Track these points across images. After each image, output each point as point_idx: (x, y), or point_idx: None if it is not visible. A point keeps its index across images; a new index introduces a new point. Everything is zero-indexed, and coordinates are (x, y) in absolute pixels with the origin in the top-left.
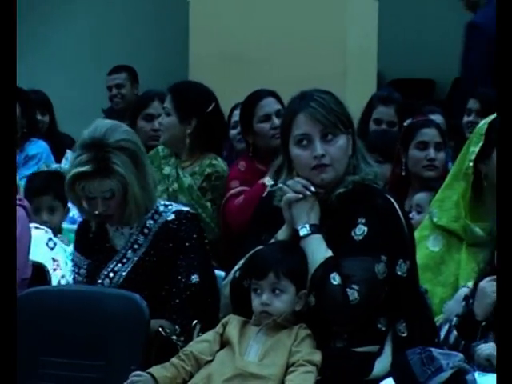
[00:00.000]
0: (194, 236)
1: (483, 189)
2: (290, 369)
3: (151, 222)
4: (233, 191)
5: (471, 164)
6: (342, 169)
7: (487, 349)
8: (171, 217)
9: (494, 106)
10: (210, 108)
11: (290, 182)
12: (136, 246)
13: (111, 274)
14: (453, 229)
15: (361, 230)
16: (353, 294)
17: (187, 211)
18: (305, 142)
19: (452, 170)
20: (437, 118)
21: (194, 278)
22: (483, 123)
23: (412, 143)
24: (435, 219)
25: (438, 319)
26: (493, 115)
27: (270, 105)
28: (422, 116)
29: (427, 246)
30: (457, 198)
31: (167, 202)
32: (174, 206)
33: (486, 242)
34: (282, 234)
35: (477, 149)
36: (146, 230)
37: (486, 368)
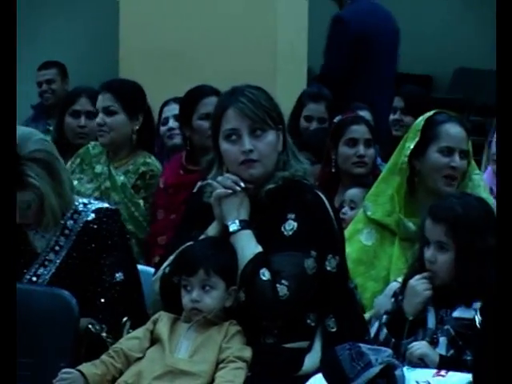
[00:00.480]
0: (116, 233)
1: (416, 185)
2: (221, 365)
3: (71, 222)
4: None
5: (406, 159)
6: (270, 164)
7: (420, 348)
8: (91, 216)
9: (418, 103)
10: (147, 105)
11: (219, 178)
12: (57, 248)
13: (34, 278)
14: (386, 223)
15: (290, 226)
16: (282, 289)
17: (106, 208)
18: (233, 137)
19: (388, 165)
20: (365, 114)
21: (119, 276)
22: (420, 119)
23: (341, 140)
24: (369, 213)
25: (369, 313)
26: (430, 112)
27: (212, 104)
28: (351, 113)
29: (360, 240)
30: (391, 192)
31: (86, 200)
32: (94, 204)
33: (417, 237)
34: (212, 230)
35: (412, 145)
36: (66, 231)
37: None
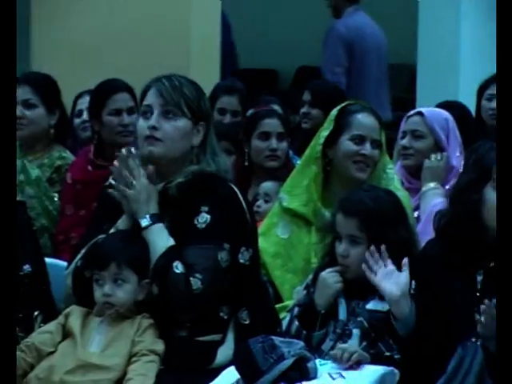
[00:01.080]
0: (23, 225)
1: (330, 174)
2: (133, 358)
3: None
4: None
5: (320, 148)
6: (175, 150)
7: (353, 351)
8: None
9: (325, 97)
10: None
11: (124, 173)
12: None
13: None
14: (302, 212)
15: (204, 219)
16: (196, 282)
17: None
18: (148, 114)
19: (304, 155)
20: (277, 108)
21: (27, 267)
22: (335, 109)
23: (254, 133)
24: (285, 203)
25: (289, 305)
26: (345, 102)
27: (124, 100)
28: (264, 106)
29: (277, 234)
30: (307, 182)
31: None
32: None
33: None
34: (122, 223)
35: (326, 134)
36: None
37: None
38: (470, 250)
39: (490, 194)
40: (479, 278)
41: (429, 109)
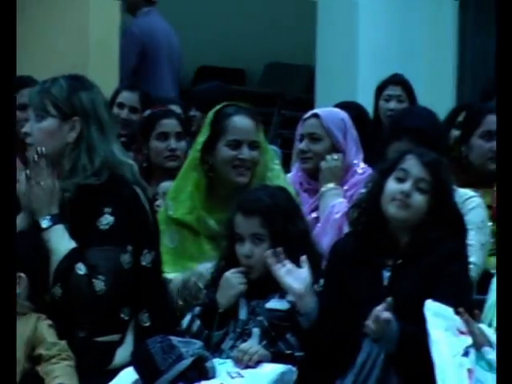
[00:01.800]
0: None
1: (213, 179)
2: (53, 360)
3: None
4: None
5: (198, 154)
6: (48, 149)
7: (254, 352)
8: None
9: (208, 99)
10: None
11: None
12: None
13: None
14: (187, 221)
15: (107, 220)
16: (99, 284)
17: None
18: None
19: (186, 161)
20: (174, 108)
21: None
22: (211, 112)
23: (153, 134)
24: (170, 212)
25: None
26: (220, 105)
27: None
28: (161, 106)
29: (164, 242)
30: (191, 189)
31: None
32: None
33: (220, 235)
34: (20, 222)
35: (203, 139)
36: None
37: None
38: (377, 246)
39: (389, 184)
40: (386, 275)
41: (325, 109)
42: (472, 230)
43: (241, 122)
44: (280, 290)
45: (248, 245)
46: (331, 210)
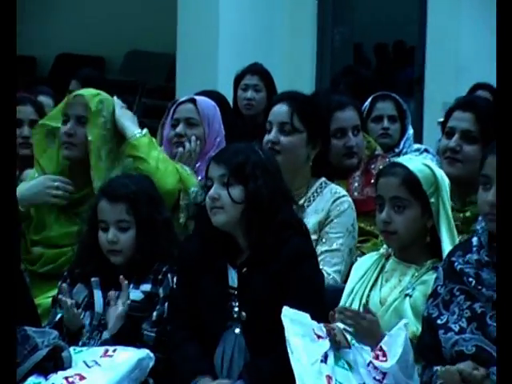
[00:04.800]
0: None
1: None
2: None
3: None
4: None
5: None
6: None
7: None
8: None
9: (93, 85)
10: None
11: None
12: None
13: None
14: None
15: None
16: None
17: None
18: None
19: None
20: (46, 99)
21: None
22: None
23: None
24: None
25: None
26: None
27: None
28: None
29: None
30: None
31: None
32: None
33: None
34: None
35: None
36: None
37: None
38: (222, 246)
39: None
40: (233, 274)
41: (199, 97)
42: (342, 234)
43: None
44: (135, 281)
45: (113, 231)
46: None
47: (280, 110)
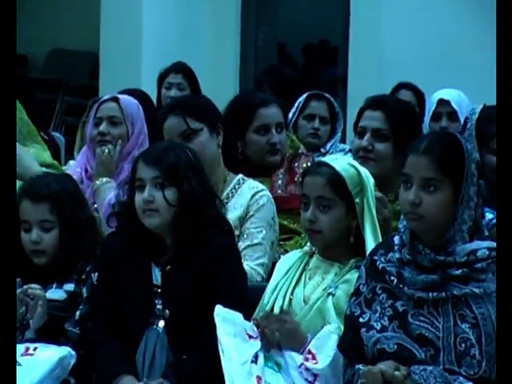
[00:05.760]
0: None
1: None
2: None
3: None
4: None
5: None
6: None
7: None
8: None
9: None
10: None
11: None
12: None
13: None
14: None
15: None
16: None
17: None
18: None
19: None
20: None
21: None
22: None
23: None
24: None
25: None
26: None
27: None
28: None
29: None
30: None
31: None
32: None
33: None
34: None
35: None
36: None
37: None
38: (145, 243)
39: (137, 196)
40: (157, 272)
41: (122, 95)
42: (263, 228)
43: None
44: (58, 280)
45: (36, 231)
46: (108, 205)
47: (172, 124)
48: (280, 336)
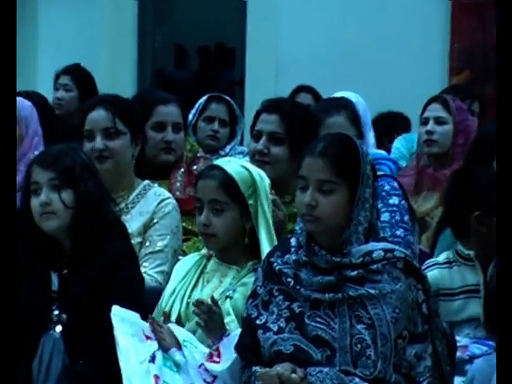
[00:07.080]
0: None
1: None
2: None
3: None
4: None
5: None
6: None
7: None
8: None
9: None
10: None
11: None
12: None
13: None
14: None
15: None
16: None
17: None
18: None
19: None
20: None
21: None
22: None
23: None
24: None
25: None
26: None
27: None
28: None
29: None
30: None
31: None
32: None
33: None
34: None
35: None
36: None
37: None
38: (42, 248)
39: (33, 200)
40: (54, 277)
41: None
42: (166, 236)
43: None
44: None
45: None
46: None
47: (99, 117)
48: (205, 326)
